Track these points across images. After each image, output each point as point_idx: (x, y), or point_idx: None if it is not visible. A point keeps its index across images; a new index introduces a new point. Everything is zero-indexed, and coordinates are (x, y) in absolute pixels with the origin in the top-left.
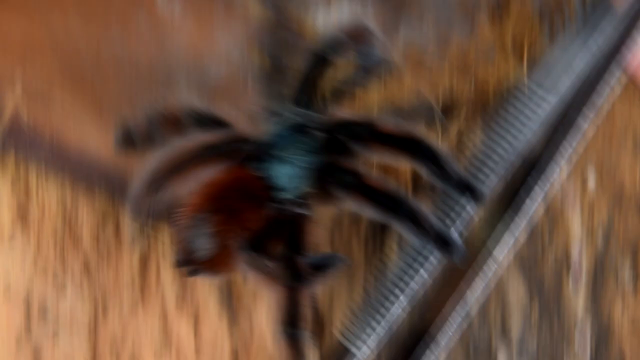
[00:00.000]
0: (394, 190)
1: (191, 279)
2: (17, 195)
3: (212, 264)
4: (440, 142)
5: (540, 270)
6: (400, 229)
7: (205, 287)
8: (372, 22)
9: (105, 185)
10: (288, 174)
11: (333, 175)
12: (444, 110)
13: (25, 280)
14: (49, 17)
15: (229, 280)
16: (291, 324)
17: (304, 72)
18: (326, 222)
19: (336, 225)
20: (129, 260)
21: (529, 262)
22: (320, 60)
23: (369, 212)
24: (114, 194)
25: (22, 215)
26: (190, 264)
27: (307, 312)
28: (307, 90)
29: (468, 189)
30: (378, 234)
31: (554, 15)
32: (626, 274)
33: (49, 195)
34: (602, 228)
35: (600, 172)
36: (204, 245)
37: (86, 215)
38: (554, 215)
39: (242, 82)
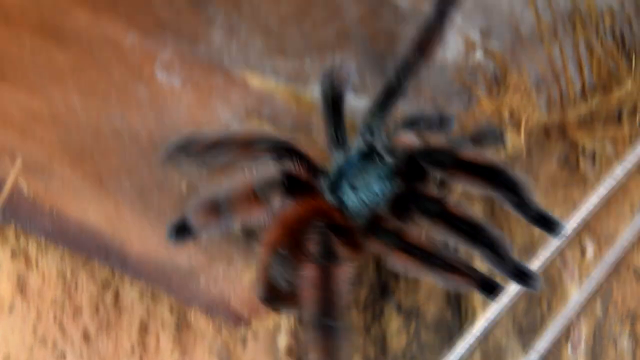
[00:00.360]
0: (475, 218)
1: (190, 347)
2: (17, 266)
3: (294, 298)
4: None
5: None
6: (479, 256)
7: (205, 355)
8: (370, 94)
9: (105, 255)
10: (360, 201)
11: (415, 203)
12: (441, 181)
13: (25, 349)
14: (48, 91)
15: (228, 348)
16: (325, 313)
17: (376, 101)
18: None
19: None
20: (129, 329)
21: (527, 330)
22: (391, 90)
23: (449, 239)
24: (113, 264)
25: (22, 285)
26: (274, 299)
27: (341, 301)
28: (376, 118)
29: (546, 222)
30: (377, 302)
31: (551, 87)
32: (625, 342)
33: (48, 266)
34: (600, 296)
35: (598, 240)
36: (286, 279)
37: (86, 285)
38: (552, 284)
39: None
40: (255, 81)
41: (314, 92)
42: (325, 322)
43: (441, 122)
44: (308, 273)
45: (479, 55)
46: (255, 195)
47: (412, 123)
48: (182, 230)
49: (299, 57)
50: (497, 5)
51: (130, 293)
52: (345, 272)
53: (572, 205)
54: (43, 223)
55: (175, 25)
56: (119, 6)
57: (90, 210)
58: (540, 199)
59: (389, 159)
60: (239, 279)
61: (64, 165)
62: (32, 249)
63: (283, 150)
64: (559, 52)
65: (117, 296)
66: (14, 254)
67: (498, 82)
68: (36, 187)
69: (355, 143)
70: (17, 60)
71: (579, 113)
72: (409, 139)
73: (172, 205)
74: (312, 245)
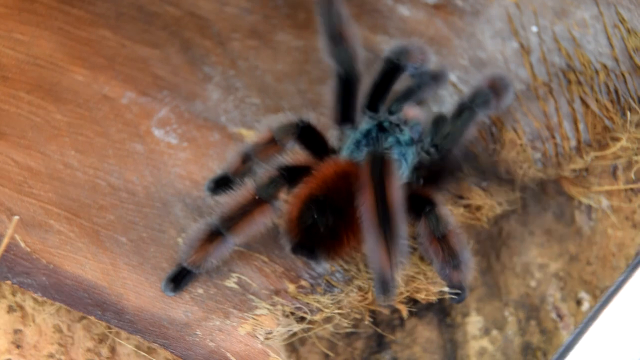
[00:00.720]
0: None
1: None
2: (13, 320)
3: (332, 243)
4: None
5: None
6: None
7: None
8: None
9: (101, 310)
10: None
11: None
12: None
13: None
14: (46, 149)
15: None
16: (384, 220)
17: (377, 79)
18: (321, 345)
19: (332, 347)
20: None
21: None
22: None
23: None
24: (109, 319)
25: (18, 340)
26: (310, 247)
27: (399, 211)
28: (379, 98)
29: (458, 288)
30: (374, 355)
31: (546, 143)
32: None
33: (45, 320)
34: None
35: (594, 294)
36: (327, 223)
37: (82, 339)
38: (548, 335)
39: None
40: (252, 137)
41: None
42: (384, 228)
43: (435, 79)
44: (364, 193)
45: None
46: (257, 200)
47: (409, 93)
48: (178, 279)
49: (295, 114)
50: (493, 63)
51: (127, 347)
52: (399, 184)
53: (569, 259)
54: (40, 278)
55: (172, 83)
56: (115, 64)
57: (86, 265)
58: (536, 252)
59: (405, 128)
60: (235, 331)
61: (61, 221)
62: (29, 304)
63: (302, 128)
64: (554, 108)
65: (113, 350)
66: (10, 309)
67: (494, 139)
68: (33, 243)
69: (364, 122)
70: (15, 119)
71: (574, 168)
72: (414, 112)
73: (169, 260)
74: (365, 169)
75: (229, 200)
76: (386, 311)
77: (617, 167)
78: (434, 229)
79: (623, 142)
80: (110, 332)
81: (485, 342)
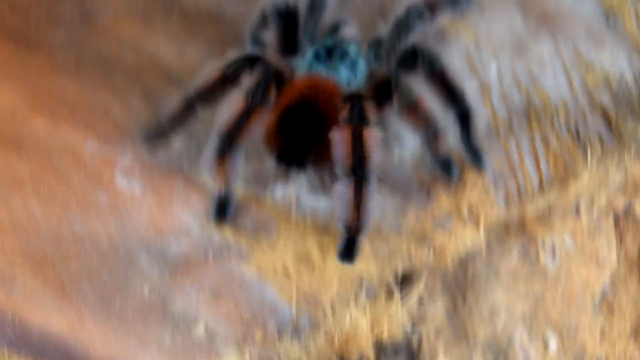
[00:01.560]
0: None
1: None
2: None
3: (318, 147)
4: (400, 308)
5: None
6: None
7: None
8: (329, 194)
9: None
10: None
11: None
12: (403, 277)
13: None
14: (8, 199)
15: None
16: (359, 165)
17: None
18: None
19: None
20: None
21: None
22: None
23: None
24: None
25: None
26: (297, 151)
27: (372, 159)
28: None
29: (476, 155)
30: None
31: (508, 182)
32: None
33: None
34: None
35: (560, 333)
36: (308, 125)
37: None
38: None
39: (203, 256)
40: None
41: (274, 195)
42: (359, 173)
43: None
44: (342, 134)
45: None
46: (250, 106)
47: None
48: (221, 209)
49: (258, 160)
50: None
51: None
52: (375, 135)
53: (534, 299)
54: (5, 332)
55: (134, 131)
56: (77, 113)
57: (52, 317)
58: (502, 293)
59: (349, 42)
60: None
61: (26, 272)
62: None
63: (255, 60)
64: (515, 146)
65: None
66: None
67: None
68: None
69: (309, 49)
70: None
71: (537, 207)
72: (350, 31)
73: (135, 309)
74: (346, 111)
75: (221, 119)
76: (354, 356)
77: (580, 205)
78: (406, 98)
79: (585, 180)
80: None
81: None
